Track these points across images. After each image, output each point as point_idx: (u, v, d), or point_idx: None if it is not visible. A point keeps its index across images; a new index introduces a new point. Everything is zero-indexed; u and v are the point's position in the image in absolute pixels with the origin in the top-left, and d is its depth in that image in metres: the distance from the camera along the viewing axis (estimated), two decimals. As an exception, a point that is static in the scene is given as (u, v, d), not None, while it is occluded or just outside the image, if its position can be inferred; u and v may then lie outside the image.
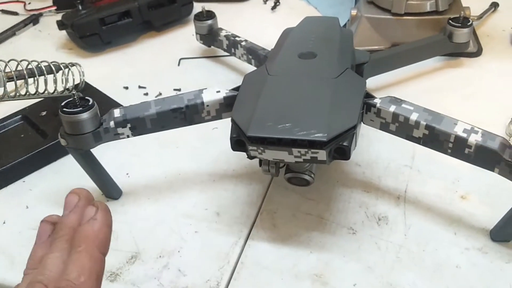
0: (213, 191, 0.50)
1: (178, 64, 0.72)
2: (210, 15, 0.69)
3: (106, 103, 0.59)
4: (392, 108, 0.43)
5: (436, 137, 0.41)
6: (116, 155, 0.54)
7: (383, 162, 0.52)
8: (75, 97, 0.44)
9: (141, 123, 0.46)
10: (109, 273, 0.43)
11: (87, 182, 0.50)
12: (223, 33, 0.67)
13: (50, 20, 0.85)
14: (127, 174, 0.53)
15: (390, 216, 0.46)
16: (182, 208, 0.49)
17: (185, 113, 0.46)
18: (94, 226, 0.31)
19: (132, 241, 0.46)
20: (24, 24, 0.84)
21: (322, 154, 0.39)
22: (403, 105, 0.43)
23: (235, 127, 0.41)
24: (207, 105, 0.47)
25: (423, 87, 0.62)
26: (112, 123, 0.45)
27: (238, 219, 0.47)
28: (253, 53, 0.63)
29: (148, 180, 0.52)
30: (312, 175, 0.45)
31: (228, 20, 0.74)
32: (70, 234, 0.30)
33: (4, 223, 0.49)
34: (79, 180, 0.52)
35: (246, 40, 0.65)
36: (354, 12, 0.70)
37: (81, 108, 0.44)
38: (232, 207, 0.48)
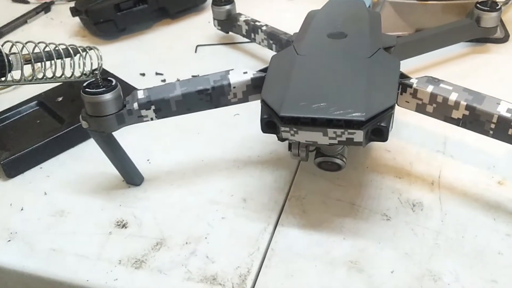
0: (238, 178, 0.48)
1: (195, 51, 0.70)
2: (229, 0, 0.67)
3: (125, 88, 0.57)
4: (430, 88, 0.41)
5: (477, 118, 0.39)
6: (136, 141, 0.52)
7: (414, 147, 0.50)
8: (98, 77, 0.43)
9: (166, 105, 0.44)
10: (133, 260, 0.41)
11: (106, 168, 0.49)
12: (242, 18, 0.66)
13: (62, 8, 0.84)
14: (148, 160, 0.51)
15: (425, 202, 0.44)
16: (207, 194, 0.47)
17: (211, 95, 0.45)
18: None
19: (156, 228, 0.44)
20: (35, 12, 0.82)
21: (359, 135, 0.37)
22: (442, 85, 0.41)
23: (266, 108, 0.40)
24: (234, 87, 0.45)
25: (450, 73, 0.60)
26: (135, 105, 0.43)
27: (266, 205, 0.45)
28: (274, 37, 0.61)
29: (170, 167, 0.51)
30: (344, 159, 0.43)
31: (245, 8, 0.72)
32: None
33: (22, 209, 0.47)
34: (97, 166, 0.51)
35: (266, 25, 0.63)
36: (376, -3, 0.68)
37: (104, 89, 0.42)
38: (259, 193, 0.47)
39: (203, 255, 0.41)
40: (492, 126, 0.39)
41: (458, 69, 0.62)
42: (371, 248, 0.41)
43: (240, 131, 0.54)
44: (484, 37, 0.63)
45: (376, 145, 0.50)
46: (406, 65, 0.60)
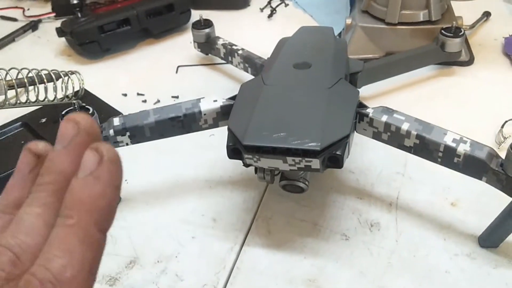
0: (210, 197, 0.51)
1: (176, 72, 0.73)
2: (208, 23, 0.70)
3: (105, 110, 0.60)
4: (384, 118, 0.44)
5: (427, 146, 0.42)
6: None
7: (376, 169, 0.53)
8: (76, 105, 0.45)
9: (140, 131, 0.47)
10: (108, 278, 0.44)
11: (86, 188, 0.51)
12: (220, 42, 0.69)
13: (49, 27, 0.86)
14: (125, 180, 0.54)
15: (382, 222, 0.47)
16: (179, 214, 0.50)
17: (183, 122, 0.48)
18: (94, 189, 0.20)
19: (130, 246, 0.47)
20: (23, 30, 0.85)
21: (315, 163, 0.40)
22: (395, 115, 0.44)
23: (232, 135, 0.43)
24: (204, 114, 0.48)
25: (416, 95, 0.64)
26: (111, 131, 0.46)
27: (234, 225, 0.48)
28: (249, 61, 0.64)
29: (146, 186, 0.53)
30: (307, 183, 0.46)
31: (226, 28, 0.75)
32: (58, 183, 0.21)
33: (5, 228, 0.50)
34: (78, 186, 0.53)
35: (243, 49, 0.66)
36: (349, 21, 0.71)
37: (81, 117, 0.45)
38: (229, 213, 0.50)
39: (173, 273, 0.44)
40: (440, 154, 0.42)
41: (425, 91, 0.65)
42: (329, 267, 0.44)
43: (214, 151, 0.57)
44: (449, 61, 0.66)
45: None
46: (375, 88, 0.63)
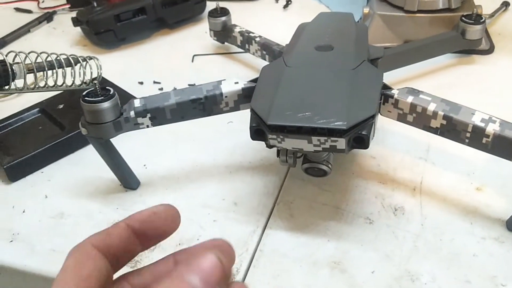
0: (230, 183, 0.51)
1: (192, 61, 0.72)
2: (224, 12, 0.70)
3: (123, 97, 0.59)
4: (410, 99, 0.43)
5: (454, 127, 0.42)
6: (133, 147, 0.55)
7: (398, 154, 0.52)
8: (97, 87, 0.45)
9: (161, 113, 0.46)
10: (129, 260, 0.43)
11: (104, 173, 0.51)
12: (237, 29, 0.68)
13: (64, 18, 0.86)
14: (144, 165, 0.54)
15: (406, 206, 0.46)
16: (200, 198, 0.49)
17: (204, 104, 0.47)
18: None
19: (151, 230, 0.46)
20: (38, 21, 0.85)
21: (341, 143, 0.39)
22: (421, 96, 0.44)
23: (255, 116, 0.42)
24: (226, 96, 0.47)
25: (436, 83, 0.63)
26: (132, 113, 0.46)
27: (256, 209, 0.48)
28: (267, 48, 0.63)
29: (165, 172, 0.53)
30: (330, 166, 0.45)
31: (240, 19, 0.74)
32: None
33: (23, 212, 0.49)
34: (95, 171, 0.53)
35: (260, 36, 0.65)
36: (366, 10, 0.71)
37: (102, 98, 0.44)
38: (249, 197, 0.49)
39: (195, 255, 0.43)
40: (468, 135, 0.41)
41: (445, 80, 0.64)
42: (354, 250, 0.43)
43: (233, 138, 0.56)
44: (469, 49, 0.66)
45: (362, 152, 0.53)
46: (395, 75, 0.63)
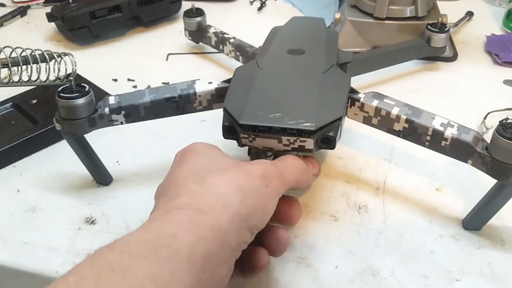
0: (201, 179, 0.52)
1: (166, 59, 0.73)
2: (200, 12, 0.71)
3: (97, 93, 0.60)
4: (375, 103, 0.46)
5: (415, 130, 0.44)
6: (107, 143, 0.55)
7: (364, 155, 0.55)
8: (72, 83, 0.46)
9: (135, 110, 0.47)
10: (101, 254, 0.44)
11: (77, 168, 0.52)
12: (211, 30, 0.69)
13: (38, 13, 0.86)
14: (117, 161, 0.55)
15: (370, 205, 0.49)
16: (171, 195, 0.50)
17: (177, 102, 0.48)
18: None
19: (123, 224, 0.47)
20: (11, 15, 0.84)
21: (309, 143, 0.41)
22: (385, 100, 0.46)
23: (228, 115, 0.44)
24: (199, 95, 0.49)
25: (402, 88, 0.66)
26: (107, 110, 0.47)
27: (226, 206, 0.49)
28: (241, 49, 0.65)
29: (138, 168, 0.54)
30: (298, 165, 0.47)
31: (215, 19, 0.76)
32: None
33: (-5, 205, 0.50)
34: (69, 166, 0.54)
35: (234, 38, 0.67)
36: (338, 15, 0.73)
37: (77, 94, 0.45)
38: (220, 194, 0.50)
39: (166, 250, 0.45)
40: (428, 138, 0.44)
41: (410, 85, 0.67)
42: (319, 246, 0.45)
43: (206, 136, 0.57)
44: (434, 56, 0.69)
45: (330, 152, 0.55)
46: (363, 80, 0.65)
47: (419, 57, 0.69)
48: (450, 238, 0.45)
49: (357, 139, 0.56)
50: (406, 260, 0.43)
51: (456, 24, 0.78)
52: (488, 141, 0.41)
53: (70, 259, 0.44)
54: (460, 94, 0.65)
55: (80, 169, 0.51)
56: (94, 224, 0.47)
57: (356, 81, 0.64)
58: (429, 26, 0.66)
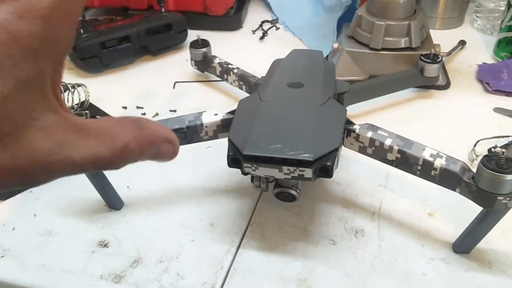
0: (207, 204, 0.55)
1: (173, 87, 0.77)
2: (205, 43, 0.75)
3: (108, 122, 0.64)
4: (369, 134, 0.49)
5: (407, 160, 0.47)
6: (117, 170, 0.59)
7: (361, 181, 0.58)
8: (87, 115, 0.49)
9: (146, 140, 0.51)
10: (113, 275, 0.47)
11: (90, 194, 0.55)
12: (216, 60, 0.73)
13: (50, 41, 0.90)
14: (128, 187, 0.58)
15: (366, 229, 0.52)
16: (179, 219, 0.53)
17: (185, 133, 0.52)
18: None
19: (134, 248, 0.50)
20: (24, 44, 0.88)
21: (308, 172, 0.44)
22: (379, 132, 0.49)
23: (232, 146, 0.47)
24: (206, 126, 0.52)
25: (397, 115, 0.69)
26: (119, 140, 0.50)
27: (231, 230, 0.52)
28: (244, 79, 0.69)
29: (147, 193, 0.57)
30: (298, 191, 0.50)
31: (220, 47, 0.80)
32: None
33: (13, 229, 0.53)
34: (82, 191, 0.57)
35: (238, 68, 0.71)
36: (336, 45, 0.77)
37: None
38: (225, 219, 0.53)
39: (174, 272, 0.48)
40: (419, 167, 0.47)
41: (405, 112, 0.70)
42: (318, 268, 0.48)
43: (211, 162, 0.61)
44: (428, 85, 0.72)
45: (329, 179, 0.58)
46: (360, 107, 0.69)
47: (413, 86, 0.72)
48: (441, 261, 0.48)
49: (354, 166, 0.60)
50: (399, 282, 0.46)
51: (449, 53, 0.82)
52: (474, 171, 0.44)
53: (84, 280, 0.47)
54: (452, 121, 0.68)
55: (93, 194, 0.54)
56: (107, 247, 0.50)
57: (353, 109, 0.68)
58: (422, 57, 0.69)
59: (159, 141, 0.26)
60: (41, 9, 0.19)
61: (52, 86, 0.21)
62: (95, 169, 0.23)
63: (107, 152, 0.23)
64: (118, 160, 0.24)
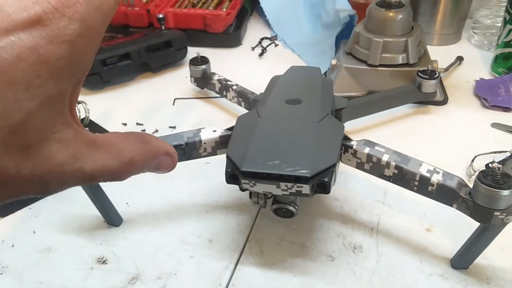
0: (206, 221, 0.56)
1: (173, 104, 0.78)
2: (204, 60, 0.76)
3: (108, 138, 0.64)
4: (367, 150, 0.49)
5: (404, 176, 0.48)
6: (117, 186, 0.59)
7: (359, 197, 0.58)
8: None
9: (145, 157, 0.51)
10: (112, 292, 0.47)
11: (89, 210, 0.55)
12: (216, 77, 0.74)
13: (51, 58, 0.91)
14: (126, 203, 0.58)
15: (364, 245, 0.52)
16: (178, 235, 0.54)
17: (184, 149, 0.52)
18: None
19: (133, 264, 0.50)
20: (26, 61, 0.89)
21: (306, 188, 0.45)
22: (376, 148, 0.50)
23: (230, 162, 0.47)
24: (204, 143, 0.53)
25: (395, 131, 0.70)
26: (119, 157, 0.50)
27: (229, 246, 0.52)
28: (243, 96, 0.69)
29: (146, 210, 0.57)
30: (296, 207, 0.50)
31: (220, 64, 0.81)
32: None
33: (13, 246, 0.53)
34: (81, 208, 0.57)
35: (237, 84, 0.71)
36: (334, 61, 0.78)
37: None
38: (224, 235, 0.54)
39: (173, 288, 0.48)
40: (416, 183, 0.47)
41: (403, 128, 0.71)
42: (317, 285, 0.48)
43: (210, 178, 0.61)
44: (425, 100, 0.73)
45: (327, 195, 0.58)
46: (358, 123, 0.69)
47: (411, 102, 0.73)
48: (439, 277, 0.48)
49: (353, 182, 0.60)
50: (398, 298, 0.46)
51: (446, 69, 0.82)
52: (471, 187, 0.45)
53: (83, 297, 0.47)
54: (450, 136, 0.68)
55: (92, 210, 0.55)
56: (105, 263, 0.50)
57: (352, 125, 0.69)
58: (419, 73, 0.70)
59: (160, 155, 0.30)
60: (69, 35, 0.21)
61: (70, 103, 0.23)
62: (103, 180, 0.25)
63: (114, 164, 0.25)
64: (124, 172, 0.26)
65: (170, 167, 0.32)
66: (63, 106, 0.23)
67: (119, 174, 0.26)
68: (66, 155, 0.23)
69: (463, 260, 0.49)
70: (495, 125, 0.70)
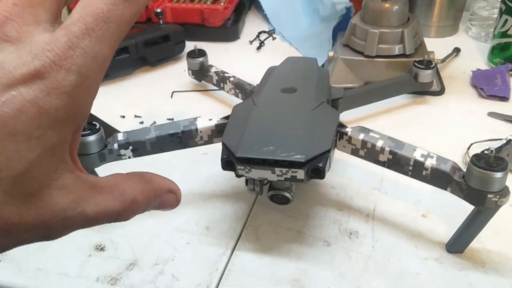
0: (203, 209, 0.56)
1: (171, 97, 0.78)
2: (202, 53, 0.76)
3: (106, 130, 0.65)
4: (361, 136, 0.50)
5: (398, 161, 0.48)
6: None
7: (355, 184, 0.58)
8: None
9: (142, 145, 0.52)
10: (109, 278, 0.48)
11: (88, 200, 0.56)
12: (213, 70, 0.74)
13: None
14: (124, 193, 0.58)
15: (360, 231, 0.52)
16: (175, 223, 0.54)
17: (181, 138, 0.53)
18: None
19: (130, 251, 0.51)
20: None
21: (300, 173, 0.45)
22: (371, 134, 0.50)
23: (226, 149, 0.48)
24: (201, 131, 0.53)
25: (392, 121, 0.70)
26: (116, 145, 0.51)
27: (226, 233, 0.53)
28: (240, 87, 0.70)
29: (144, 199, 0.58)
30: (292, 193, 0.51)
31: (217, 58, 0.81)
32: None
33: (12, 235, 0.53)
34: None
35: (234, 76, 0.72)
36: (331, 53, 0.78)
37: (89, 131, 0.50)
38: (221, 222, 0.54)
39: (170, 274, 0.48)
40: (410, 168, 0.47)
41: (400, 118, 0.71)
42: (312, 269, 0.48)
43: (207, 168, 0.62)
44: (422, 90, 0.73)
45: (323, 182, 0.58)
46: (354, 114, 0.69)
47: (408, 92, 0.73)
48: (434, 261, 0.49)
49: (349, 170, 0.60)
50: (393, 282, 0.47)
51: (443, 60, 0.83)
52: (465, 170, 0.45)
53: (81, 283, 0.47)
54: (447, 126, 0.69)
55: (90, 200, 0.55)
56: (103, 251, 0.51)
57: (348, 115, 0.69)
58: (416, 63, 0.70)
59: (163, 193, 0.30)
60: (67, 86, 0.22)
61: (71, 149, 0.24)
62: (108, 221, 0.25)
63: (117, 206, 0.25)
64: (127, 212, 0.26)
65: (174, 204, 0.32)
66: (63, 153, 0.23)
67: (122, 215, 0.26)
68: (67, 201, 0.23)
69: (458, 244, 0.49)
70: (491, 114, 0.70)
